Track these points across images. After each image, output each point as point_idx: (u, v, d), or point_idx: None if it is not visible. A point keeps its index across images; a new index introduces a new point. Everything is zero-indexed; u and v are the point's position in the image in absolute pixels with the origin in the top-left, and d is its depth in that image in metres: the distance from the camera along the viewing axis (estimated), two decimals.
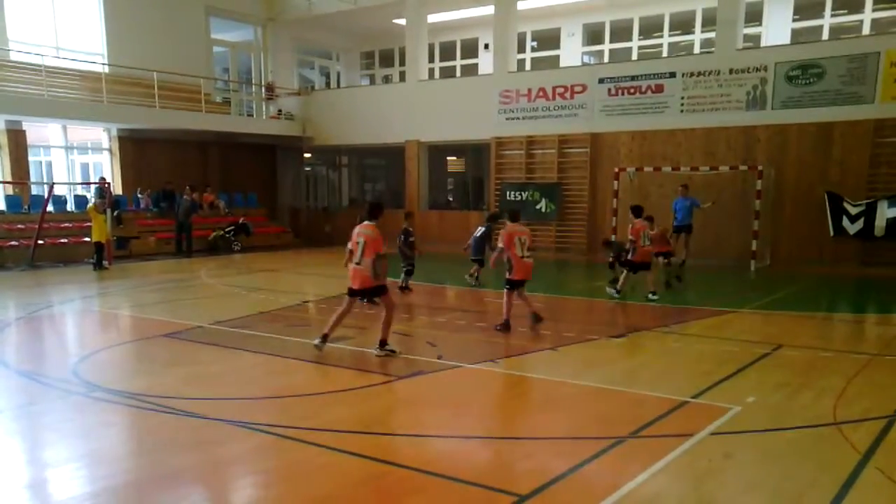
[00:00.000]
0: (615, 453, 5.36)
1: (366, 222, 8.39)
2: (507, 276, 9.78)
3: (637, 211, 12.62)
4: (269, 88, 26.38)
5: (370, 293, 8.52)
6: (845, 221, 16.38)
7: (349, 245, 8.40)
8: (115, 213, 19.67)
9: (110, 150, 22.67)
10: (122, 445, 5.89)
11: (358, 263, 8.22)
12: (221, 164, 25.27)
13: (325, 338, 8.46)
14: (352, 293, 8.47)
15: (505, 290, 9.79)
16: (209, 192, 23.42)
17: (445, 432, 6.01)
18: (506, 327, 9.69)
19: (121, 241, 20.00)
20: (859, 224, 16.21)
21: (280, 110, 26.13)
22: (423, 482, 4.91)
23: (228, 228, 22.26)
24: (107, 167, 22.78)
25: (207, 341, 9.30)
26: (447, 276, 16.90)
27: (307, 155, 27.73)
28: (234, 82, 26.83)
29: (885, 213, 15.84)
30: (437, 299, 14.06)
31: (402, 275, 13.36)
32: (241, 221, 22.58)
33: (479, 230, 14.26)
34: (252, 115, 26.84)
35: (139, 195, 22.27)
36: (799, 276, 15.62)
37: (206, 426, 6.00)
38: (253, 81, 27.27)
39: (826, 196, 16.53)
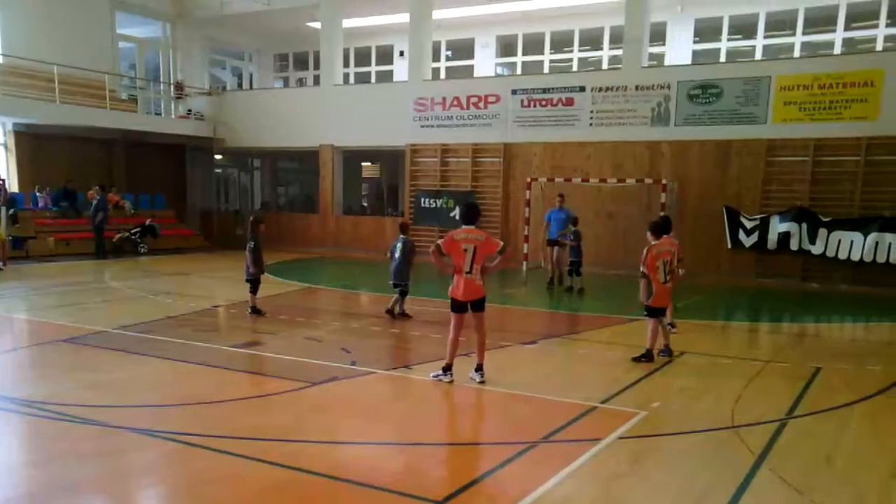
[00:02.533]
0: (527, 458, 5.47)
1: (467, 227, 7.57)
2: (646, 302, 8.81)
3: (668, 226, 9.83)
4: (179, 87, 25.63)
5: (479, 304, 7.55)
6: (741, 235, 17.23)
7: (437, 247, 7.48)
8: (11, 212, 18.70)
9: (5, 146, 21.50)
10: (18, 456, 5.60)
11: (469, 273, 7.38)
12: (127, 163, 24.37)
13: (450, 368, 7.60)
14: (459, 307, 7.54)
15: (648, 319, 8.88)
16: (114, 193, 22.54)
17: (359, 439, 5.99)
18: (648, 357, 8.71)
19: (17, 241, 19.00)
20: (754, 237, 17.08)
21: (190, 110, 25.43)
22: (335, 490, 4.88)
23: (134, 230, 21.49)
24: (1, 163, 21.61)
25: (111, 347, 8.96)
26: (361, 282, 16.85)
27: (218, 157, 27.08)
28: (141, 80, 25.94)
29: (776, 227, 16.74)
30: (351, 304, 13.98)
31: (396, 296, 11.39)
32: (147, 223, 21.82)
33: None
34: (160, 115, 26.00)
35: (38, 193, 21.19)
36: (699, 287, 16.28)
37: (108, 435, 5.79)
38: (161, 79, 26.45)
39: (724, 210, 17.33)
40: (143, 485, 5.09)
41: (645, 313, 8.92)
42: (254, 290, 11.47)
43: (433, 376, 7.60)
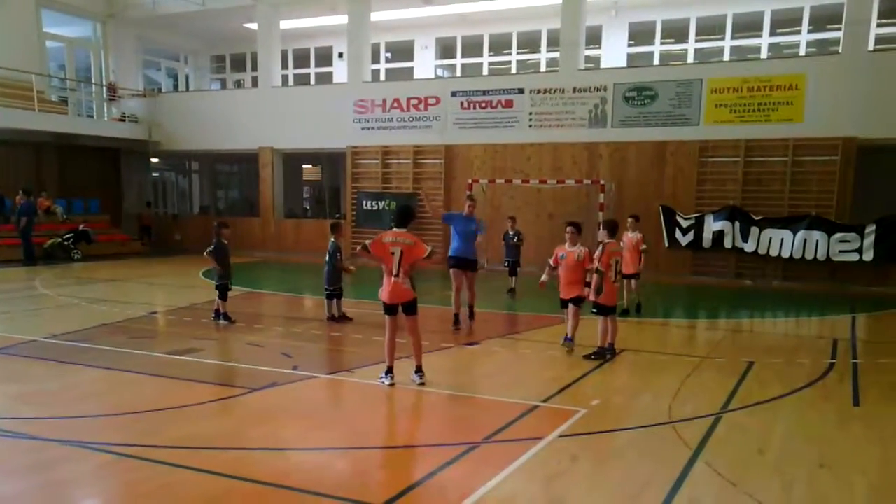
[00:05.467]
0: (469, 459, 5.49)
1: (397, 229, 7.48)
2: (595, 298, 8.85)
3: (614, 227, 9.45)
4: (112, 89, 24.97)
5: (408, 307, 7.49)
6: (678, 234, 17.64)
7: (364, 247, 7.43)
8: None
9: None
10: None
11: (396, 276, 7.29)
12: (59, 167, 23.58)
13: (391, 370, 7.54)
14: (389, 309, 7.47)
15: (598, 317, 9.00)
16: (44, 197, 21.81)
17: (300, 444, 5.93)
18: (599, 355, 8.88)
19: None
20: (690, 236, 17.51)
21: (124, 113, 24.80)
22: (277, 497, 4.82)
23: (67, 236, 20.83)
24: None
25: (42, 356, 8.69)
26: (303, 285, 16.68)
27: (154, 160, 26.48)
28: (71, 80, 25.15)
29: (711, 226, 17.20)
30: (293, 309, 13.83)
31: (330, 301, 11.32)
32: (80, 228, 21.20)
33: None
34: (92, 117, 25.26)
35: None
36: (638, 285, 16.61)
37: (39, 447, 5.60)
38: (93, 81, 25.69)
39: (661, 210, 17.72)
40: (74, 499, 4.94)
41: (594, 311, 9.03)
42: (223, 297, 11.15)
43: (380, 379, 7.58)
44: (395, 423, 6.90)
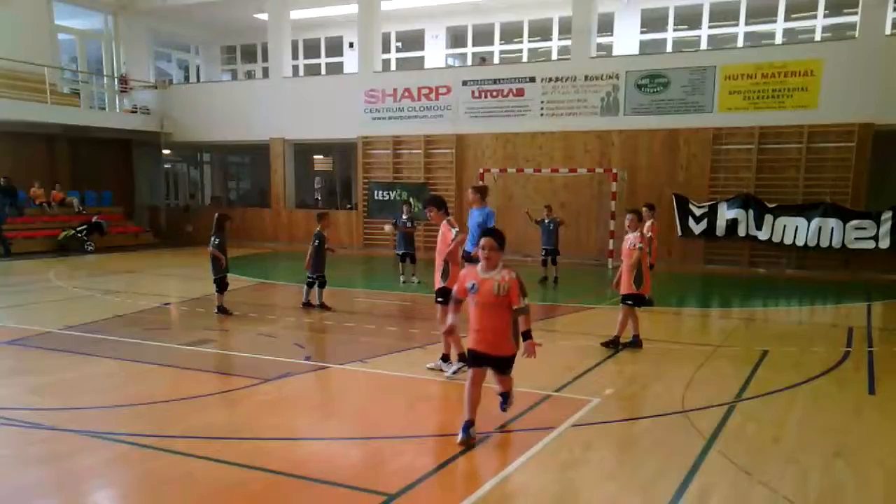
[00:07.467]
0: (482, 448, 5.49)
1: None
2: (635, 289, 8.72)
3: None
4: (123, 81, 25.05)
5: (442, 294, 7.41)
6: (691, 222, 17.53)
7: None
8: None
9: None
10: None
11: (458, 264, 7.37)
12: (71, 159, 23.73)
13: (446, 357, 7.53)
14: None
15: (626, 306, 8.79)
16: (58, 190, 21.98)
17: (313, 434, 5.95)
18: (613, 345, 8.80)
19: None
20: (703, 224, 17.40)
21: (135, 104, 24.87)
22: (290, 486, 4.84)
23: (80, 227, 20.98)
24: None
25: (57, 347, 8.74)
26: None
27: (166, 151, 26.57)
28: (83, 73, 25.25)
29: (724, 214, 17.09)
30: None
31: (310, 288, 11.66)
32: (94, 220, 21.35)
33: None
34: (104, 109, 25.36)
35: None
36: (651, 274, 16.53)
37: (56, 438, 5.64)
38: (104, 73, 25.77)
39: (674, 198, 17.61)
40: (93, 488, 4.97)
41: (629, 302, 8.86)
42: (220, 290, 11.13)
43: (449, 373, 7.48)
44: (408, 412, 6.90)
